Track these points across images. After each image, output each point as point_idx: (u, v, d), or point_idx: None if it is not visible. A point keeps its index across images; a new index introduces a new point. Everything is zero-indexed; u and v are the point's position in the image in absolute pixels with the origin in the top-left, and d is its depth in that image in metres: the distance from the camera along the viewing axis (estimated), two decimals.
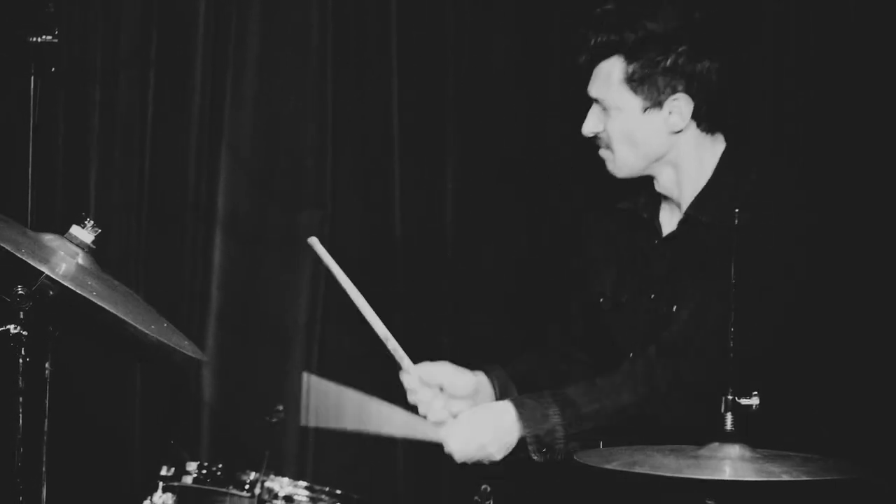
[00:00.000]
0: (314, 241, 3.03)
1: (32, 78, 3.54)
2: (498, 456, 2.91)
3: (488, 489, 2.73)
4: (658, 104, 2.87)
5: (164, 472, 2.78)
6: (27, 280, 2.71)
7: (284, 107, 3.86)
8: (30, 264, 2.62)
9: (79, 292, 2.62)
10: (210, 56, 3.80)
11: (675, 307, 2.92)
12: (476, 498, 2.74)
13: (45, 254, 2.73)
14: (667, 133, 2.90)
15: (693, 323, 2.82)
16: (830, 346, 2.90)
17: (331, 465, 3.88)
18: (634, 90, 2.87)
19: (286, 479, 2.73)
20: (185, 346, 2.85)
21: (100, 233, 2.86)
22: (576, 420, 2.84)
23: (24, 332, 2.74)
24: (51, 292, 2.72)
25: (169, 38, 3.80)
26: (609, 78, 2.90)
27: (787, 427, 2.63)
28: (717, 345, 2.46)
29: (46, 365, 2.84)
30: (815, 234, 2.89)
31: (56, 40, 3.53)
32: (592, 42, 2.90)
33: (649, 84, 2.86)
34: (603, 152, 2.98)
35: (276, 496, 2.70)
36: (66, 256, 2.77)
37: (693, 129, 2.90)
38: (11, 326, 2.73)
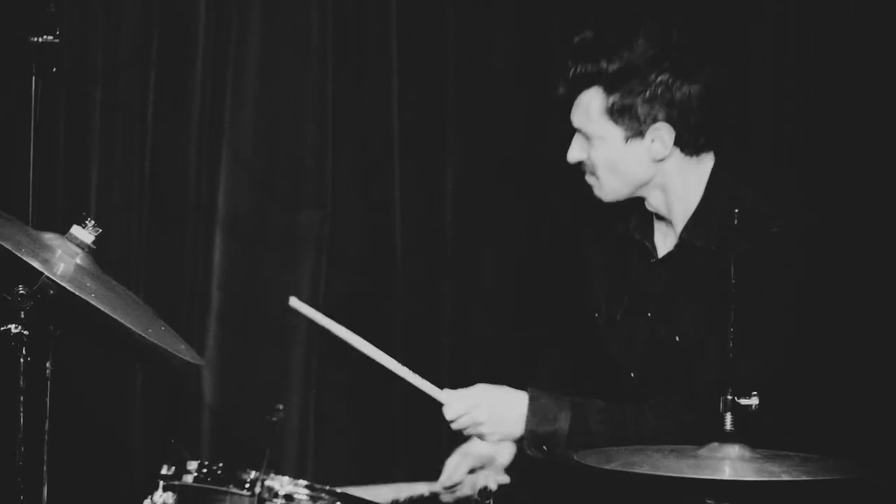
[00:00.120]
0: (295, 302, 3.03)
1: (33, 78, 3.54)
2: (490, 439, 2.92)
3: (488, 488, 2.74)
4: (640, 133, 2.86)
5: (164, 471, 2.77)
6: (28, 279, 2.70)
7: (284, 107, 3.86)
8: (31, 264, 2.62)
9: (76, 293, 2.62)
10: (210, 56, 3.81)
11: (677, 337, 2.92)
12: (476, 497, 2.75)
13: (46, 253, 2.73)
14: (650, 161, 2.89)
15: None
16: (830, 346, 2.90)
17: (331, 463, 3.89)
18: (615, 121, 2.86)
19: (286, 478, 2.72)
20: (183, 351, 2.85)
21: (100, 233, 2.86)
22: (582, 432, 2.85)
23: (25, 332, 2.73)
24: (51, 292, 2.72)
25: (169, 38, 3.80)
26: (589, 109, 2.89)
27: (787, 427, 2.63)
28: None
29: (47, 364, 2.84)
30: (815, 235, 2.89)
31: (57, 40, 3.53)
32: (571, 73, 2.89)
33: (630, 115, 2.85)
34: (589, 178, 2.98)
35: (276, 495, 2.69)
36: (65, 256, 2.77)
37: (677, 154, 2.89)
38: (12, 326, 2.73)
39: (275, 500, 2.69)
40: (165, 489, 2.75)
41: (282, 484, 2.71)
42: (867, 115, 3.64)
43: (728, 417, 2.35)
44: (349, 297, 3.92)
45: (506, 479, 3.09)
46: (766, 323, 2.76)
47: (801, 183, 3.11)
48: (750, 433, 2.37)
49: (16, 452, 2.77)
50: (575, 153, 2.96)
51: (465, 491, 3.05)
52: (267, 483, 2.70)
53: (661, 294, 2.97)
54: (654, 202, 2.96)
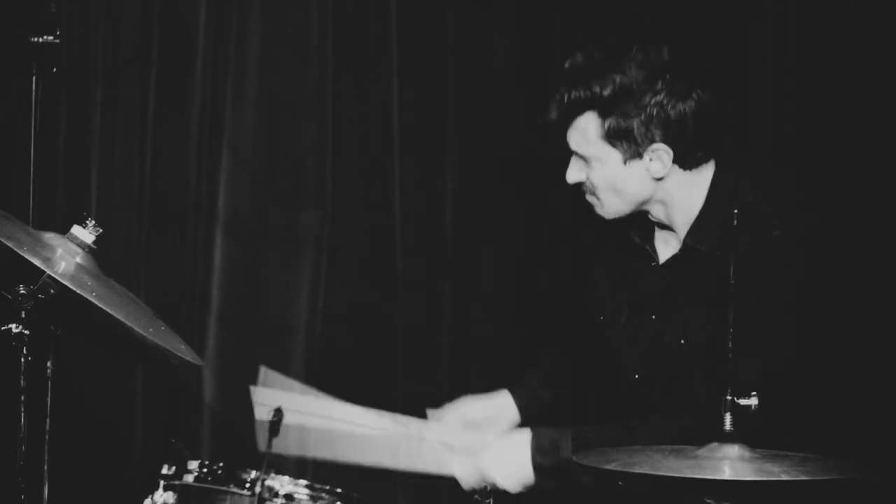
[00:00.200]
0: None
1: (34, 78, 3.54)
2: (515, 489, 2.89)
3: (488, 487, 2.74)
4: (638, 155, 2.86)
5: (165, 470, 2.78)
6: (29, 279, 2.70)
7: (284, 107, 3.87)
8: (32, 263, 2.62)
9: (78, 292, 2.62)
10: (211, 56, 3.81)
11: (682, 340, 2.92)
12: (476, 496, 2.75)
13: (47, 252, 2.74)
14: (650, 179, 2.89)
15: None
16: (830, 346, 2.90)
17: (331, 463, 3.88)
18: (613, 144, 2.86)
19: (287, 478, 2.73)
20: (183, 351, 2.85)
21: (101, 233, 2.86)
22: (586, 447, 2.83)
23: (26, 332, 2.73)
24: (52, 291, 2.72)
25: (170, 38, 3.80)
26: (586, 133, 2.89)
27: (787, 427, 2.63)
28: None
29: (48, 364, 2.83)
30: (815, 235, 2.89)
31: (57, 41, 3.53)
32: (565, 99, 2.88)
33: (627, 137, 2.85)
34: (589, 197, 2.98)
35: (276, 494, 2.70)
36: (66, 255, 2.77)
37: (676, 170, 2.89)
38: (13, 325, 2.73)
39: (275, 499, 2.70)
40: (166, 489, 2.76)
41: (282, 483, 2.72)
42: (867, 115, 3.64)
43: (728, 417, 2.35)
44: (349, 297, 3.92)
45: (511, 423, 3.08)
46: (767, 323, 2.76)
47: (801, 183, 3.11)
48: (749, 433, 2.37)
49: (17, 452, 2.77)
50: (573, 175, 2.96)
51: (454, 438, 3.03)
52: (267, 483, 2.71)
53: (663, 297, 2.97)
54: (656, 214, 2.97)
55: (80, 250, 2.81)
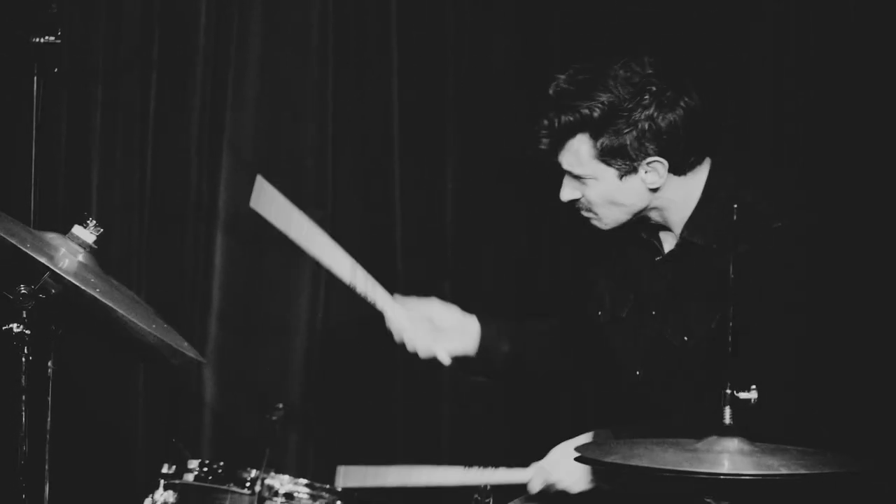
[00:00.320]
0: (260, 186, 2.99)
1: (35, 78, 3.55)
2: (574, 488, 2.90)
3: (488, 487, 2.74)
4: (633, 170, 2.88)
5: (165, 469, 2.78)
6: (30, 278, 2.71)
7: (285, 107, 3.87)
8: (33, 263, 2.63)
9: (83, 287, 2.62)
10: (211, 56, 3.81)
11: (686, 337, 2.92)
12: (476, 496, 2.75)
13: (49, 251, 2.74)
14: (646, 190, 2.91)
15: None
16: (830, 346, 2.90)
17: (331, 462, 3.89)
18: (607, 163, 2.87)
19: (287, 477, 2.73)
20: (185, 347, 2.86)
21: (101, 232, 2.87)
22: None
23: (27, 331, 2.74)
24: (53, 291, 2.73)
25: (170, 38, 3.81)
26: (579, 155, 2.89)
27: (787, 427, 2.63)
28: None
29: (49, 363, 2.84)
30: (815, 234, 2.89)
31: (58, 41, 3.53)
32: (555, 124, 2.88)
33: (621, 154, 2.85)
34: (585, 213, 2.99)
35: (276, 493, 2.70)
36: (68, 255, 2.78)
37: (671, 178, 2.90)
38: (14, 325, 2.73)
39: (275, 498, 2.70)
40: (166, 488, 2.76)
41: (282, 482, 2.72)
42: (867, 115, 3.64)
43: (727, 411, 2.36)
44: (349, 298, 3.92)
45: (469, 340, 3.08)
46: (767, 322, 2.77)
47: (801, 183, 3.11)
48: (749, 429, 2.37)
49: (18, 451, 2.77)
50: (568, 193, 2.97)
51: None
52: (267, 482, 2.71)
53: (665, 294, 2.98)
54: (655, 218, 2.98)
55: (81, 250, 2.82)
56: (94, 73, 3.77)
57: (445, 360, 3.06)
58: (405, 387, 3.92)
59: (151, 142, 3.80)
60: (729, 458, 2.28)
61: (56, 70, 3.60)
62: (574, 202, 2.97)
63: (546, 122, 2.89)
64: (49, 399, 2.84)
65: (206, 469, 2.76)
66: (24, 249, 2.56)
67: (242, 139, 3.85)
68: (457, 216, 3.97)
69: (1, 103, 3.68)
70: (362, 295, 3.03)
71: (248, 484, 2.71)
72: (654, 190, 2.90)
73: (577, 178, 2.92)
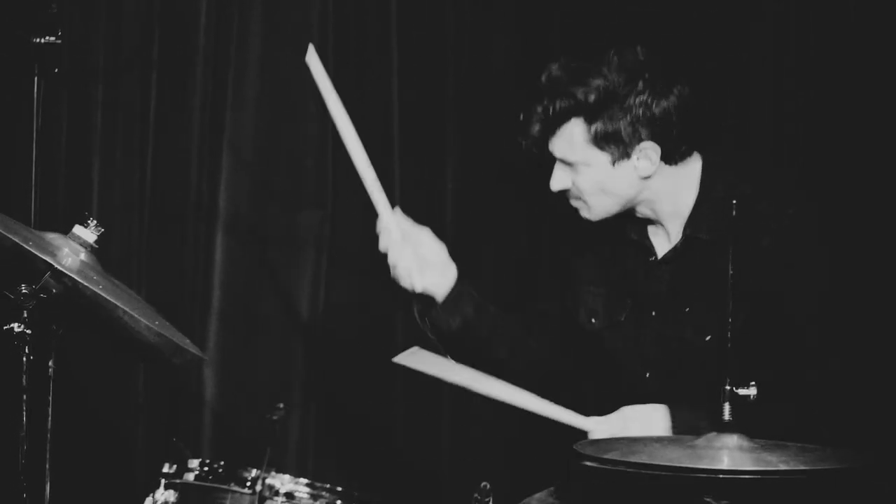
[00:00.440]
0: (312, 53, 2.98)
1: (35, 78, 3.54)
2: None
3: (488, 486, 2.74)
4: (626, 155, 2.88)
5: (166, 469, 2.79)
6: (31, 278, 2.71)
7: (285, 107, 3.87)
8: (33, 263, 2.63)
9: (86, 285, 2.63)
10: (211, 56, 3.82)
11: (707, 336, 2.92)
12: (476, 495, 2.75)
13: (51, 251, 2.74)
14: (638, 178, 2.91)
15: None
16: (830, 345, 2.91)
17: (332, 461, 3.90)
18: (601, 147, 2.88)
19: (287, 476, 2.73)
20: (188, 345, 2.86)
21: (102, 232, 2.87)
22: None
23: (28, 331, 2.74)
24: (54, 290, 2.73)
25: (171, 38, 3.81)
26: (572, 140, 2.90)
27: (786, 427, 2.63)
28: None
29: (50, 363, 2.84)
30: (824, 225, 2.92)
31: (59, 41, 3.53)
32: (549, 110, 2.89)
33: (615, 140, 2.87)
34: (574, 202, 2.99)
35: (277, 493, 2.71)
36: (70, 254, 2.78)
37: (662, 167, 2.91)
38: (15, 325, 2.73)
39: (276, 498, 2.70)
40: (167, 487, 2.76)
41: (283, 482, 2.72)
42: (867, 115, 3.64)
43: (726, 407, 2.36)
44: (349, 297, 3.93)
45: (443, 282, 3.07)
46: (798, 315, 2.79)
47: (801, 183, 3.11)
48: (749, 426, 2.38)
49: (18, 451, 2.77)
50: (559, 182, 2.97)
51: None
52: (268, 481, 2.72)
53: (665, 293, 2.98)
54: (644, 211, 2.98)
55: (82, 249, 2.82)
56: (94, 73, 3.77)
57: (417, 288, 3.02)
58: (405, 387, 3.92)
59: (151, 142, 3.80)
60: (728, 454, 2.28)
61: (56, 70, 3.59)
62: (564, 192, 2.98)
63: (540, 108, 2.91)
64: (50, 399, 2.84)
65: (206, 468, 2.76)
66: (27, 247, 2.56)
67: (242, 139, 3.85)
68: (457, 216, 3.97)
69: (1, 103, 3.68)
70: (367, 192, 3.00)
71: (248, 483, 2.72)
72: (646, 178, 2.91)
73: (569, 165, 2.93)
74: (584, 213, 2.99)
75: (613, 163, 2.89)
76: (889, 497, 2.83)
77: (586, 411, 3.87)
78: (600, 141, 2.87)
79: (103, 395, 3.77)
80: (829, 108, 3.71)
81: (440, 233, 3.95)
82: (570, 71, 2.89)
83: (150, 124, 3.80)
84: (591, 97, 2.85)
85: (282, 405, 2.79)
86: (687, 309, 2.94)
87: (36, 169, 3.58)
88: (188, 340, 2.87)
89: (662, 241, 3.01)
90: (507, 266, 4.01)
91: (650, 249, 3.01)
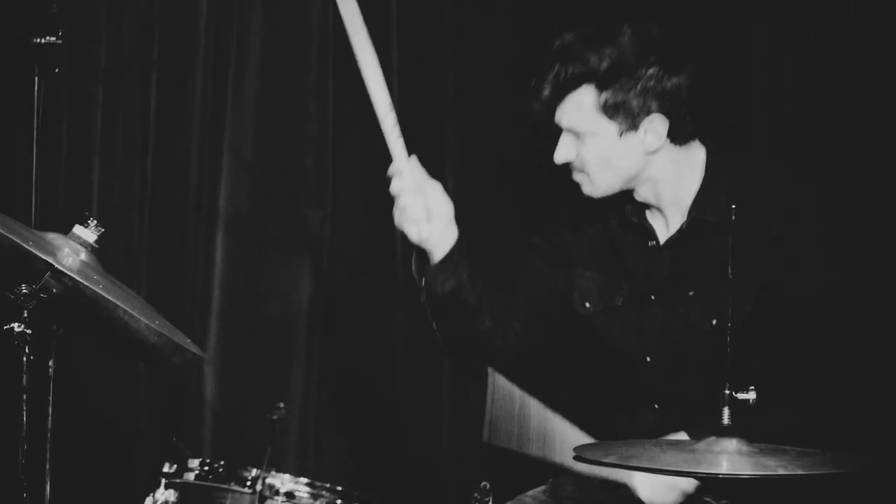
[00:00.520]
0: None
1: (36, 78, 3.55)
2: (690, 489, 2.88)
3: (487, 486, 2.74)
4: (634, 127, 2.88)
5: (166, 468, 2.79)
6: (31, 278, 2.71)
7: (285, 107, 3.87)
8: (34, 262, 2.63)
9: (86, 284, 2.63)
10: (212, 57, 3.82)
11: (714, 321, 2.91)
12: (476, 495, 2.75)
13: (51, 251, 2.75)
14: (643, 153, 2.91)
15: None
16: (830, 345, 2.91)
17: (332, 461, 3.89)
18: (610, 116, 2.87)
19: (287, 476, 2.74)
20: (188, 344, 2.86)
21: (102, 232, 2.87)
22: None
23: (28, 331, 2.74)
24: (54, 290, 2.73)
25: (171, 38, 3.81)
26: (581, 107, 2.89)
27: (787, 427, 2.63)
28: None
29: (50, 363, 2.84)
30: (827, 220, 2.93)
31: (59, 41, 3.54)
32: (561, 75, 2.88)
33: (624, 109, 2.86)
34: (577, 176, 2.98)
35: (277, 492, 2.71)
36: (70, 254, 2.78)
37: (667, 144, 2.91)
38: (15, 325, 2.73)
39: (276, 497, 2.71)
40: (167, 487, 2.77)
41: (283, 481, 2.73)
42: (867, 114, 3.64)
43: (725, 412, 2.36)
44: (349, 297, 3.93)
45: (444, 241, 3.05)
46: (806, 304, 2.80)
47: (802, 183, 3.11)
48: (748, 429, 2.38)
49: (19, 450, 2.77)
50: (563, 153, 2.96)
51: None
52: (268, 480, 2.72)
53: (667, 278, 2.97)
54: (644, 193, 2.97)
55: (82, 249, 2.82)
56: (94, 73, 3.78)
57: (422, 235, 2.99)
58: (405, 386, 3.92)
59: (152, 142, 3.81)
60: (727, 458, 2.28)
61: (56, 70, 3.60)
62: (567, 165, 2.97)
63: (552, 73, 2.90)
64: (50, 398, 2.84)
65: (206, 468, 2.77)
66: (27, 247, 2.56)
67: (242, 139, 3.85)
68: (457, 216, 3.95)
69: (1, 103, 3.69)
70: (385, 135, 2.99)
71: (249, 483, 2.72)
72: (651, 154, 2.90)
73: (576, 135, 2.92)
74: (587, 189, 2.98)
75: (621, 134, 2.88)
76: (889, 497, 2.83)
77: (585, 401, 3.88)
78: (609, 110, 2.86)
79: (104, 394, 3.77)
80: (828, 108, 3.71)
81: None
82: (585, 38, 2.88)
83: (150, 124, 3.80)
84: (604, 64, 2.85)
85: (282, 405, 2.79)
86: (691, 293, 2.94)
87: (36, 169, 3.59)
88: (188, 340, 2.87)
89: (661, 227, 3.01)
90: (507, 266, 4.00)
91: (651, 233, 3.01)
